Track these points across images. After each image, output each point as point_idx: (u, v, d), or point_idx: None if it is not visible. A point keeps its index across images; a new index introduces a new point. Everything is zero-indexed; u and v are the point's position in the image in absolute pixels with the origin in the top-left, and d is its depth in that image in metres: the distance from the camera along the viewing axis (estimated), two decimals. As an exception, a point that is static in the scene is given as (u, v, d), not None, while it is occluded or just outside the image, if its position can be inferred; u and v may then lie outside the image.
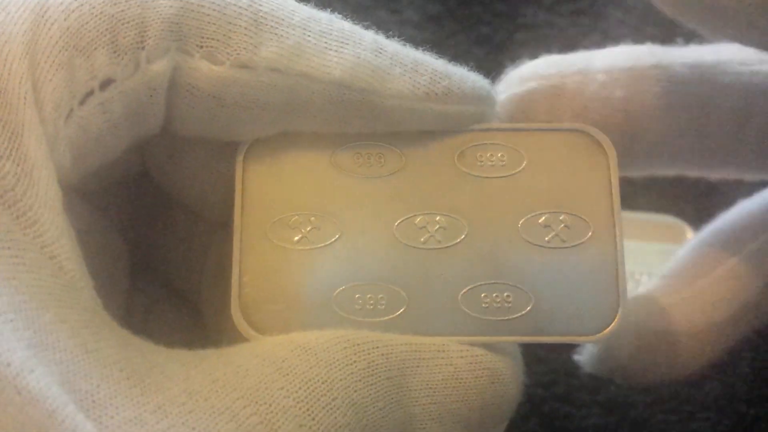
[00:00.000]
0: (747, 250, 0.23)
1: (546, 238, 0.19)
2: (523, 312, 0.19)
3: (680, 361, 0.23)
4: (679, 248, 0.25)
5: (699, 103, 0.22)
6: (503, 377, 0.19)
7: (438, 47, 0.34)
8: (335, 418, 0.16)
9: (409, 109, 0.19)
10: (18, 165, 0.15)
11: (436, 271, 0.19)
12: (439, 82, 0.19)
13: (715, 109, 0.22)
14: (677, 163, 0.23)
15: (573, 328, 0.19)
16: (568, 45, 0.34)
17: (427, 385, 0.18)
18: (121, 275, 0.22)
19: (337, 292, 0.19)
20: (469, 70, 0.20)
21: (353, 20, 0.19)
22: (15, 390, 0.13)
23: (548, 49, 0.34)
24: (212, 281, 0.22)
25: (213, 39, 0.17)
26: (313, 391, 0.16)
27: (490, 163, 0.20)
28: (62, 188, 0.16)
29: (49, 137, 0.16)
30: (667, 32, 0.34)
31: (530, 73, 0.23)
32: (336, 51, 0.18)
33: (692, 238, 0.25)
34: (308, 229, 0.19)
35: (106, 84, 0.17)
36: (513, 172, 0.20)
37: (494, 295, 0.19)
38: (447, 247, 0.19)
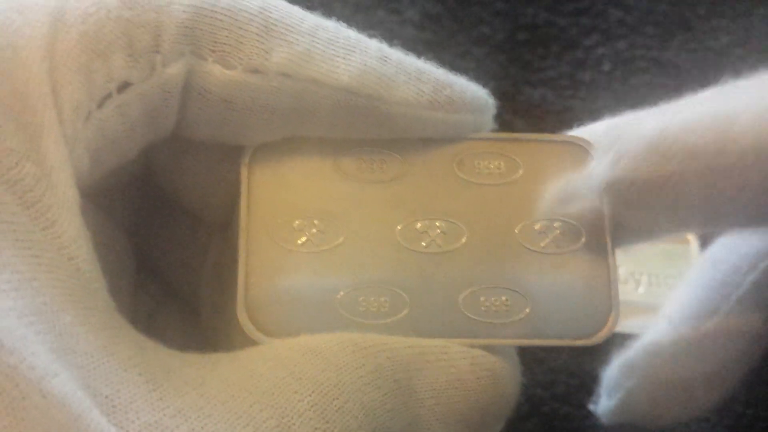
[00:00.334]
0: (747, 282, 0.23)
1: (542, 244, 0.20)
2: (521, 316, 0.19)
3: (695, 404, 0.23)
4: (679, 249, 0.24)
5: None
6: (503, 377, 0.19)
7: (438, 47, 0.34)
8: (347, 420, 0.17)
9: (412, 116, 0.19)
10: (38, 166, 0.15)
11: (437, 274, 0.19)
12: (441, 91, 0.19)
13: None
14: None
15: (568, 331, 0.19)
16: (568, 45, 0.34)
17: (432, 386, 0.18)
18: (127, 277, 0.22)
19: (341, 294, 0.19)
20: (468, 79, 0.20)
21: (353, 21, 0.20)
22: (40, 394, 0.13)
23: (548, 49, 0.34)
24: (210, 283, 0.22)
25: (225, 44, 0.18)
26: (325, 394, 0.17)
27: (487, 171, 0.20)
28: (79, 190, 0.17)
29: (68, 140, 0.16)
30: (667, 32, 0.35)
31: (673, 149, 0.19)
32: (343, 58, 0.18)
33: (697, 261, 0.24)
34: (312, 232, 0.19)
35: (123, 87, 0.17)
36: (510, 179, 0.20)
37: (493, 298, 0.19)
38: (447, 251, 0.20)
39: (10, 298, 0.14)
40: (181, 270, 0.23)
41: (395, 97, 0.19)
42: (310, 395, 0.16)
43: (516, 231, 0.20)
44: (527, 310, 0.19)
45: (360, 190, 0.20)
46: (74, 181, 0.16)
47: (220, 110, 0.18)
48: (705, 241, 0.26)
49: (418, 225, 0.20)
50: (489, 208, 0.20)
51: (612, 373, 0.24)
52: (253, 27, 0.18)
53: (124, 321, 0.17)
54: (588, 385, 0.30)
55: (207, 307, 0.23)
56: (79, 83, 0.16)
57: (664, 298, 0.25)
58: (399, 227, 0.20)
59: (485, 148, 0.20)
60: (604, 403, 0.24)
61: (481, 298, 0.19)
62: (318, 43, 0.18)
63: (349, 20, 0.20)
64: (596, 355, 0.30)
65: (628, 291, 0.29)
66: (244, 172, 0.20)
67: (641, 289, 0.26)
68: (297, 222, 0.19)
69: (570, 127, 0.34)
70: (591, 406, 0.24)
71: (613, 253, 0.20)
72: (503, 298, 0.19)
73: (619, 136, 0.19)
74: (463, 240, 0.20)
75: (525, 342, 0.19)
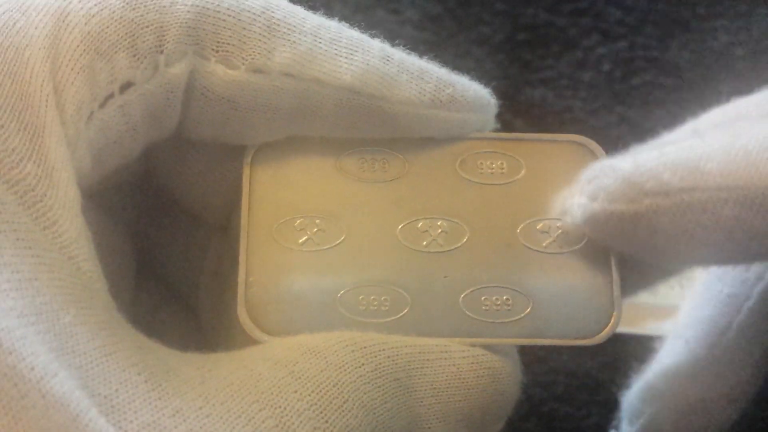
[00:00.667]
0: (755, 293, 0.23)
1: (544, 244, 0.20)
2: (522, 315, 0.19)
3: (715, 422, 0.23)
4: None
5: None
6: (503, 376, 0.19)
7: (438, 47, 0.34)
8: (347, 420, 0.17)
9: (415, 114, 0.19)
10: (39, 166, 0.15)
11: (438, 273, 0.19)
12: (443, 90, 0.19)
13: None
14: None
15: (570, 331, 0.19)
16: (568, 45, 0.34)
17: (432, 385, 0.18)
18: (127, 277, 0.22)
19: (341, 293, 0.19)
20: (470, 78, 0.20)
21: (353, 21, 0.20)
22: (39, 394, 0.13)
23: (548, 49, 0.34)
24: (209, 284, 0.22)
25: (228, 44, 0.18)
26: (325, 394, 0.17)
27: (490, 171, 0.20)
28: (81, 190, 0.17)
29: (69, 139, 0.16)
30: (667, 32, 0.35)
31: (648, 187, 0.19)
32: (346, 58, 0.19)
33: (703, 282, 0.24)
34: (314, 231, 0.20)
35: (125, 87, 0.17)
36: (512, 179, 0.20)
37: (494, 298, 0.19)
38: (449, 250, 0.20)
39: (10, 297, 0.14)
40: (181, 271, 0.23)
41: (398, 96, 0.19)
42: (309, 395, 0.16)
43: (518, 230, 0.20)
44: (528, 310, 0.19)
45: (361, 189, 0.20)
46: (75, 181, 0.16)
47: (223, 110, 0.18)
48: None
49: (420, 224, 0.20)
50: (491, 208, 0.20)
51: (632, 398, 0.24)
52: (256, 27, 0.18)
53: (124, 321, 0.17)
54: (588, 385, 0.30)
55: (206, 307, 0.23)
56: (82, 83, 0.16)
57: (669, 298, 0.25)
58: (400, 226, 0.20)
59: (487, 148, 0.20)
60: (625, 430, 0.24)
61: (483, 298, 0.19)
62: (321, 43, 0.18)
63: (349, 20, 0.20)
64: (596, 355, 0.30)
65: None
66: (245, 172, 0.20)
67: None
68: (298, 221, 0.19)
69: (570, 127, 0.34)
70: None
71: (616, 253, 0.20)
72: (504, 297, 0.19)
73: (599, 171, 0.19)
74: (465, 239, 0.20)
75: (526, 341, 0.19)
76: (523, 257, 0.20)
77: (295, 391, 0.16)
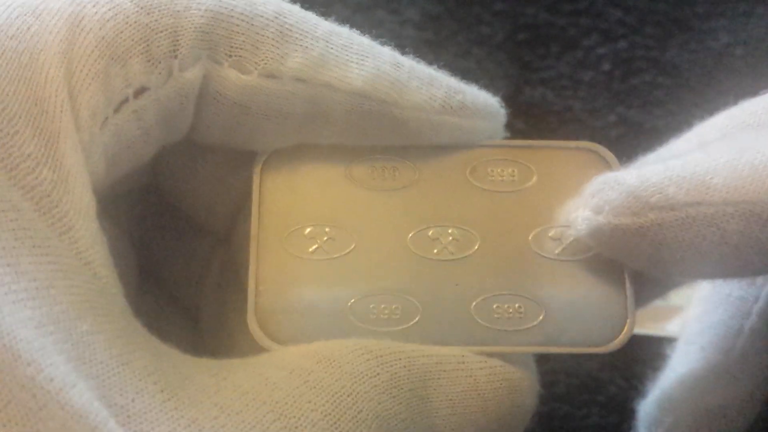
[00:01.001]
0: (764, 294, 0.23)
1: (556, 251, 0.20)
2: (534, 323, 0.19)
3: (734, 426, 0.23)
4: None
5: None
6: (520, 388, 0.19)
7: (438, 47, 0.34)
8: (361, 430, 0.17)
9: (425, 120, 0.19)
10: (54, 172, 0.15)
11: (449, 282, 0.19)
12: (454, 96, 0.19)
13: None
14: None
15: (583, 339, 0.19)
16: (568, 45, 0.34)
17: (448, 396, 0.18)
18: (130, 284, 0.22)
19: (352, 301, 0.19)
20: (469, 81, 0.20)
21: (353, 21, 0.20)
22: (58, 405, 0.13)
23: (548, 49, 0.34)
24: (212, 294, 0.22)
25: (242, 48, 0.18)
26: (339, 404, 0.17)
27: (501, 178, 0.20)
28: (95, 195, 0.17)
29: (84, 144, 0.16)
30: (667, 32, 0.35)
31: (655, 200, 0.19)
32: (357, 63, 0.19)
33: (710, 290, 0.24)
34: (324, 239, 0.19)
35: (140, 92, 0.17)
36: (523, 187, 0.20)
37: (506, 306, 0.19)
38: (459, 258, 0.20)
39: (27, 307, 0.14)
40: (183, 280, 0.23)
41: (408, 102, 0.19)
42: (323, 405, 0.16)
43: (529, 238, 0.20)
44: (541, 318, 0.19)
45: (372, 197, 0.20)
46: (90, 186, 0.16)
47: (235, 114, 0.18)
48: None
49: (430, 232, 0.20)
50: (502, 216, 0.20)
51: (649, 407, 0.24)
52: (269, 32, 0.18)
53: (140, 326, 0.17)
54: (588, 385, 0.30)
55: (208, 317, 0.22)
56: (97, 89, 0.16)
57: (672, 298, 0.24)
58: (411, 234, 0.20)
59: (498, 155, 0.20)
60: None
61: (494, 306, 0.19)
62: (332, 49, 0.18)
63: (349, 20, 0.20)
64: (596, 355, 0.30)
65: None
66: (255, 180, 0.19)
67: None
68: (308, 230, 0.19)
69: (570, 127, 0.34)
70: None
71: None
72: (516, 305, 0.19)
73: (603, 184, 0.19)
74: (476, 247, 0.20)
75: (538, 349, 0.19)
76: (535, 265, 0.20)
77: (309, 401, 0.16)
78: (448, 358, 0.18)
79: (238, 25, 0.18)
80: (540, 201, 0.20)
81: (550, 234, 0.20)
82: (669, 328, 0.28)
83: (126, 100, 0.17)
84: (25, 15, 0.16)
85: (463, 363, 0.18)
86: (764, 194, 0.18)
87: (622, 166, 0.20)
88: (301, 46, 0.18)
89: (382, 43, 0.20)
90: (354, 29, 0.19)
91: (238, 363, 0.17)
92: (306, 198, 0.20)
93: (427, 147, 0.20)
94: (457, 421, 0.18)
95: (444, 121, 0.19)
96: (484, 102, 0.20)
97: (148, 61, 0.17)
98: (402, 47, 0.20)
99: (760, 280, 0.23)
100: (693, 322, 0.24)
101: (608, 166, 0.20)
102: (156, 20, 0.17)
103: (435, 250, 0.20)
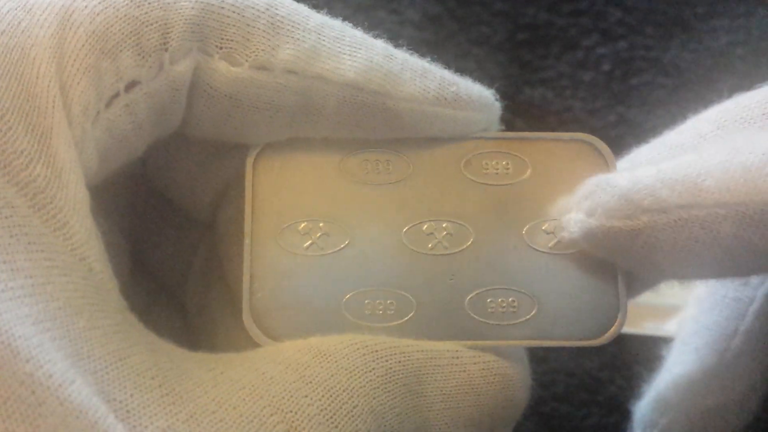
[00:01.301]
0: (759, 295, 0.23)
1: (550, 245, 0.20)
2: (528, 316, 0.19)
3: (730, 427, 0.23)
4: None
5: None
6: (514, 382, 0.19)
7: (438, 47, 0.34)
8: (357, 425, 0.17)
9: (419, 112, 0.19)
10: (48, 168, 0.15)
11: (443, 276, 0.19)
12: (447, 88, 0.19)
13: None
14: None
15: (575, 332, 0.19)
16: (568, 45, 0.34)
17: (442, 391, 0.18)
18: (121, 274, 0.22)
19: (346, 297, 0.19)
20: (473, 80, 0.20)
21: (353, 21, 0.20)
22: (57, 401, 0.14)
23: (548, 49, 0.34)
24: (198, 282, 0.22)
25: (232, 40, 0.18)
26: (335, 398, 0.17)
27: (495, 171, 0.20)
28: (88, 190, 0.17)
29: (77, 140, 0.16)
30: (667, 32, 0.35)
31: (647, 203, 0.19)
32: (349, 55, 0.18)
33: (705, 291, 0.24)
34: (318, 235, 0.19)
35: (131, 86, 0.17)
36: (518, 180, 0.20)
37: (500, 300, 0.19)
38: (454, 253, 0.20)
39: (25, 304, 0.14)
40: (172, 268, 0.23)
41: (401, 93, 0.19)
42: (319, 399, 0.17)
43: (523, 231, 0.20)
44: (534, 311, 0.19)
45: (365, 191, 0.20)
46: (83, 181, 0.16)
47: (226, 107, 0.18)
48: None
49: (425, 227, 0.20)
50: (496, 209, 0.20)
51: (645, 410, 0.24)
52: (260, 24, 0.18)
53: (137, 320, 0.17)
54: (588, 385, 0.30)
55: (194, 306, 0.23)
56: (88, 83, 0.16)
57: (669, 298, 0.25)
58: (405, 229, 0.20)
59: (493, 148, 0.20)
60: None
61: (488, 300, 0.19)
62: (324, 41, 0.18)
63: (350, 20, 0.20)
64: (596, 355, 0.30)
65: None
66: (248, 175, 0.19)
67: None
68: (302, 225, 0.19)
69: (570, 127, 0.34)
70: None
71: None
72: (510, 299, 0.19)
73: (596, 187, 0.19)
74: (470, 241, 0.20)
75: (532, 343, 0.19)
76: (529, 258, 0.20)
77: (306, 396, 0.16)
78: (443, 353, 0.18)
79: (228, 17, 0.18)
80: (534, 194, 0.20)
81: (543, 227, 0.20)
82: (669, 328, 0.29)
83: (117, 95, 0.17)
84: (16, 10, 0.16)
85: (457, 358, 0.19)
86: (756, 196, 0.17)
87: (617, 159, 0.20)
88: (292, 37, 0.18)
89: (374, 37, 0.19)
90: (356, 28, 0.19)
91: (234, 357, 0.17)
92: (299, 193, 0.20)
93: (420, 140, 0.20)
94: (451, 415, 0.18)
95: (438, 113, 0.19)
96: (479, 94, 0.20)
97: (139, 54, 0.17)
98: (402, 47, 0.20)
99: (755, 281, 0.23)
100: (688, 323, 0.24)
101: (603, 158, 0.20)
102: (146, 13, 0.17)
103: (429, 245, 0.20)
